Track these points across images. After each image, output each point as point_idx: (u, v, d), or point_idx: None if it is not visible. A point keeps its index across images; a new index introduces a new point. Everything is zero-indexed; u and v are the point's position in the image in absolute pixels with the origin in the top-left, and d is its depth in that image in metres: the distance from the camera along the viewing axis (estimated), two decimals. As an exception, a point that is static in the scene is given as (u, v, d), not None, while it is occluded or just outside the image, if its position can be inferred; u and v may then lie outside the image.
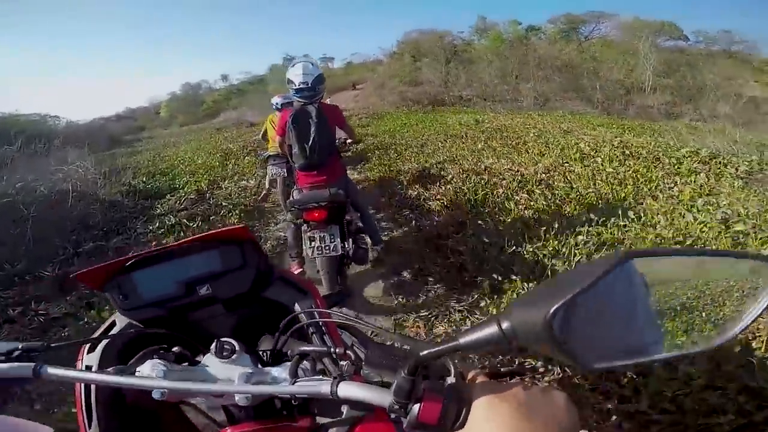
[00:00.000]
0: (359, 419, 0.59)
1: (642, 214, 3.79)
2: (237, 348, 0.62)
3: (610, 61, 24.28)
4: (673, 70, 23.55)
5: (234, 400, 0.55)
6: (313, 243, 2.42)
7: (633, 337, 0.36)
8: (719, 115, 20.67)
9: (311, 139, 2.56)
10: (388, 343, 1.04)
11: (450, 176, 5.95)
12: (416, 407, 0.42)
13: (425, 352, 0.41)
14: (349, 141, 3.14)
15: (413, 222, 4.45)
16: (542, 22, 31.02)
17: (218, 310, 0.81)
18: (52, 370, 0.54)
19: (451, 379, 0.44)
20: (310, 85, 2.59)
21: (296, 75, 2.60)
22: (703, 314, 0.38)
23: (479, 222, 3.85)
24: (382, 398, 0.46)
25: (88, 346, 0.73)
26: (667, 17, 27.93)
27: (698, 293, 0.39)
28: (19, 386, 0.69)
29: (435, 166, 6.78)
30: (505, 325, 0.35)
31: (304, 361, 0.60)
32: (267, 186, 5.36)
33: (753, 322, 0.35)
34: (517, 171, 5.91)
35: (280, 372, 0.59)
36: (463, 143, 8.50)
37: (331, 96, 28.89)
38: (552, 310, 0.31)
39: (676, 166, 5.51)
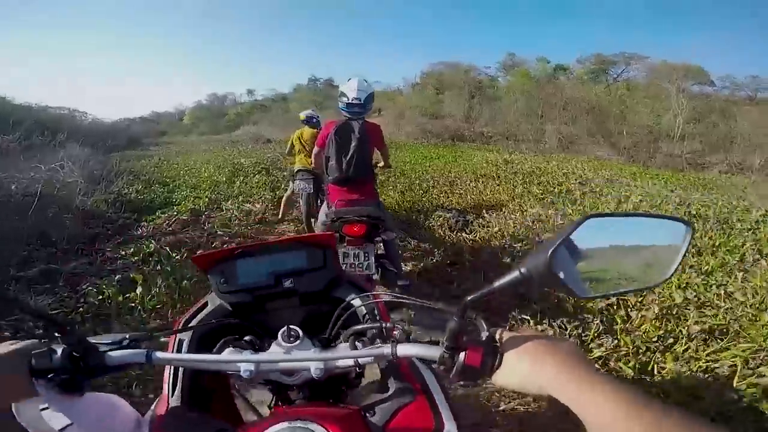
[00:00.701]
0: (403, 405, 0.64)
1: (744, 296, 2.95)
2: (301, 335, 0.71)
3: (638, 105, 23.43)
4: (702, 117, 22.62)
5: (299, 380, 0.70)
6: (347, 259, 2.34)
7: (607, 275, 0.53)
8: (751, 167, 19.55)
9: (350, 153, 2.51)
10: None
11: (493, 226, 4.96)
12: (462, 355, 0.52)
13: (471, 296, 0.51)
14: (381, 165, 3.03)
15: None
16: (571, 62, 30.67)
17: (293, 302, 0.90)
18: (161, 355, 0.62)
19: (484, 334, 0.54)
20: (362, 101, 2.58)
21: (351, 89, 2.58)
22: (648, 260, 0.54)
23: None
24: (434, 351, 0.55)
25: (181, 328, 0.81)
26: (696, 61, 27.03)
27: (642, 248, 0.55)
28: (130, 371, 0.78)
29: (471, 209, 5.80)
30: (523, 270, 0.47)
31: (357, 341, 0.69)
32: (285, 199, 5.38)
33: (679, 265, 0.52)
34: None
35: (341, 349, 0.69)
36: (497, 185, 7.51)
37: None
38: (549, 253, 0.45)
39: (752, 232, 4.62)
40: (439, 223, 5.17)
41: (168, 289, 3.03)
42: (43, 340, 0.56)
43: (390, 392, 0.68)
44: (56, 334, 0.55)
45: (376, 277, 2.49)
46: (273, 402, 0.89)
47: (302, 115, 5.27)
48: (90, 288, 2.93)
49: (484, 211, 5.69)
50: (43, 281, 3.16)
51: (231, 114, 55.88)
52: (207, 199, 6.14)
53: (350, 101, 2.59)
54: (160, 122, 60.66)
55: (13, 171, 4.69)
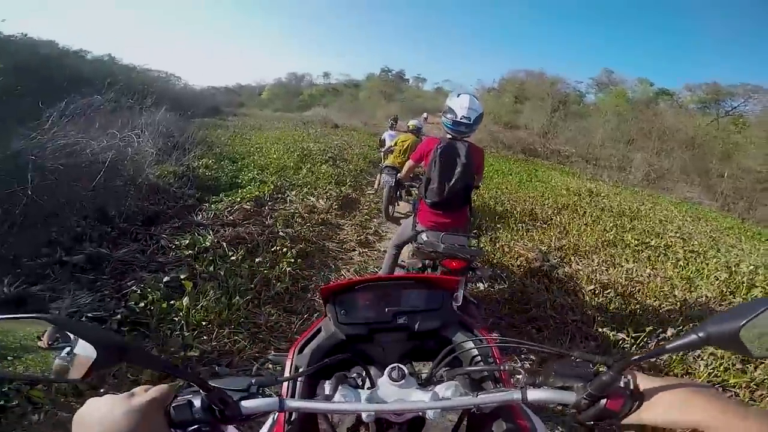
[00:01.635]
0: None
1: None
2: (407, 372, 0.67)
3: (750, 144, 20.07)
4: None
5: (404, 419, 0.67)
6: None
7: None
8: None
9: (454, 179, 2.38)
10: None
11: (582, 277, 4.10)
12: (603, 401, 0.52)
13: (636, 357, 0.51)
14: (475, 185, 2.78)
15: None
16: (677, 87, 27.07)
17: (402, 337, 0.91)
18: (293, 403, 0.61)
19: (624, 380, 0.53)
20: (471, 121, 2.38)
21: (462, 107, 2.36)
22: None
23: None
24: (568, 397, 0.55)
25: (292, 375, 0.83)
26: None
27: None
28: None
29: (555, 250, 4.93)
30: (702, 335, 0.47)
31: (455, 382, 0.66)
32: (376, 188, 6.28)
33: None
34: (683, 303, 3.87)
35: (445, 388, 0.65)
36: (585, 224, 6.43)
37: (418, 117, 27.66)
38: (742, 324, 0.45)
39: None
40: (517, 263, 4.39)
41: (217, 303, 2.64)
42: (180, 388, 0.58)
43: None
44: (198, 390, 0.55)
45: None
46: None
47: (411, 124, 6.04)
48: (134, 289, 2.59)
49: (570, 256, 4.80)
50: (89, 269, 2.89)
51: (305, 94, 57.32)
52: (272, 186, 5.84)
53: (458, 119, 2.38)
54: (241, 94, 64.04)
55: (92, 135, 4.59)
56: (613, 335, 3.07)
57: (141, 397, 0.53)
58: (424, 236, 2.36)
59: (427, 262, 2.52)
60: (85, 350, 0.48)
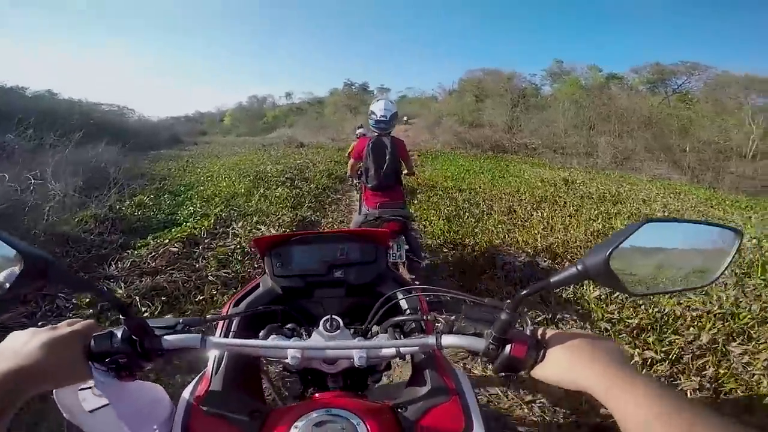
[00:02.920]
0: (436, 404, 0.62)
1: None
2: (341, 324, 0.70)
3: (703, 119, 20.61)
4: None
5: (338, 369, 0.70)
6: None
7: (657, 276, 0.55)
8: None
9: (386, 165, 2.92)
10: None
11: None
12: (508, 347, 0.54)
13: (525, 291, 0.53)
14: (405, 172, 3.20)
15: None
16: (624, 71, 27.65)
17: (340, 293, 0.92)
18: (215, 339, 0.62)
19: (529, 329, 0.57)
20: (388, 119, 2.97)
21: (379, 109, 2.96)
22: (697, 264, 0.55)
23: None
24: (478, 343, 0.57)
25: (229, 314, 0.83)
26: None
27: (693, 252, 0.55)
28: (184, 355, 0.65)
29: (542, 252, 4.31)
30: (580, 267, 0.49)
31: (397, 332, 0.73)
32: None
33: (725, 270, 0.53)
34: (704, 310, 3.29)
35: (381, 339, 0.69)
36: (568, 216, 5.92)
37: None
38: (608, 252, 0.46)
39: None
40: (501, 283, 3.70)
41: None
42: (102, 322, 0.97)
43: (423, 387, 0.67)
44: (120, 316, 0.55)
45: (402, 269, 2.84)
46: (304, 390, 0.83)
47: (359, 132, 6.19)
48: None
49: (561, 256, 4.19)
50: None
51: (269, 116, 56.44)
52: (215, 218, 4.99)
53: (378, 119, 2.96)
54: (203, 122, 62.27)
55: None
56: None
57: (62, 329, 0.53)
58: (368, 211, 2.91)
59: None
60: (10, 261, 0.48)
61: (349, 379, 0.77)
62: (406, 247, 2.82)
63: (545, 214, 5.92)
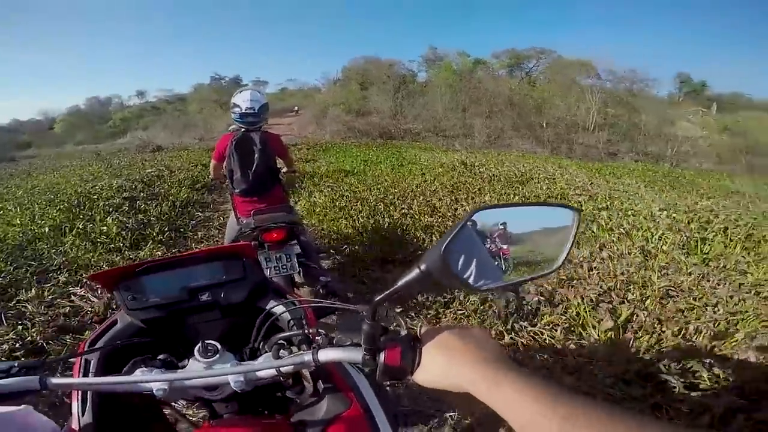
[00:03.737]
0: (336, 416, 0.61)
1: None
2: (219, 348, 0.64)
3: (554, 98, 23.73)
4: (605, 109, 23.65)
5: (224, 394, 0.65)
6: (269, 263, 2.27)
7: (500, 267, 0.51)
8: (651, 154, 20.83)
9: (254, 165, 2.41)
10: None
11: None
12: (382, 355, 0.50)
13: (378, 297, 0.49)
14: (284, 170, 2.72)
15: None
16: (486, 56, 30.07)
17: (215, 315, 0.82)
18: (57, 380, 0.56)
19: (403, 331, 0.52)
20: (256, 111, 2.45)
21: (244, 100, 2.46)
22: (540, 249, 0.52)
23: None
24: (355, 354, 0.52)
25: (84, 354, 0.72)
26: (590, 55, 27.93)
27: (533, 237, 0.52)
28: (24, 398, 0.57)
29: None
30: (422, 267, 0.45)
31: (282, 349, 0.63)
32: None
33: (569, 253, 0.49)
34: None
35: (264, 359, 0.63)
36: (484, 200, 5.25)
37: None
38: (442, 249, 0.43)
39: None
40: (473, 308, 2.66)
41: None
42: None
43: (321, 400, 0.64)
44: None
45: (298, 279, 2.48)
46: (211, 417, 0.79)
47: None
48: None
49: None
50: None
51: (116, 119, 46.80)
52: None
53: (244, 111, 2.45)
54: (25, 131, 48.95)
55: None
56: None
57: None
58: (243, 221, 2.41)
59: (253, 244, 2.01)
60: None
61: (260, 400, 0.74)
62: (299, 253, 2.40)
63: (468, 206, 5.10)
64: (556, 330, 2.46)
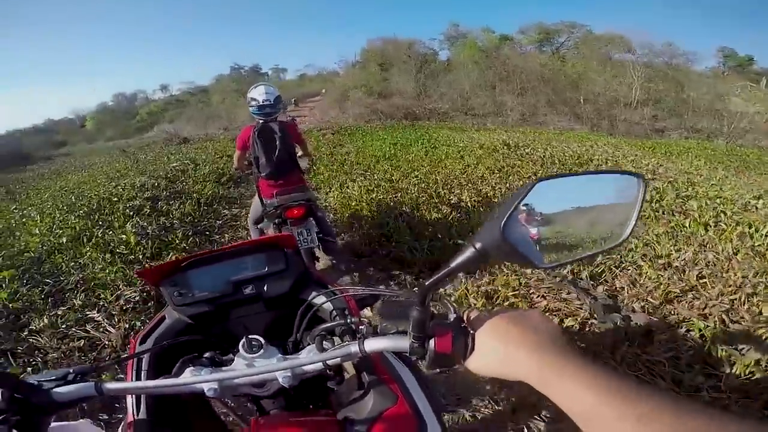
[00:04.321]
0: (383, 412, 0.59)
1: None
2: (263, 343, 0.63)
3: (591, 73, 21.92)
4: (648, 84, 21.73)
5: (271, 391, 0.64)
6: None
7: (565, 241, 0.47)
8: (703, 130, 18.98)
9: (277, 150, 2.58)
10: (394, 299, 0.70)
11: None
12: (432, 342, 0.47)
13: (429, 281, 0.46)
14: (300, 155, 2.89)
15: None
16: (513, 32, 28.18)
17: (259, 308, 0.81)
18: (112, 386, 0.56)
19: (452, 316, 0.49)
20: (272, 102, 2.62)
21: (260, 94, 2.63)
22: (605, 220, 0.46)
23: None
24: (402, 342, 0.49)
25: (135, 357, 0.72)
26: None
27: (598, 207, 0.47)
28: (80, 405, 0.64)
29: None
30: (477, 245, 0.42)
31: (325, 341, 0.61)
32: None
33: (636, 224, 0.45)
34: None
35: (308, 352, 0.62)
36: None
37: (286, 108, 24.30)
38: (502, 224, 0.39)
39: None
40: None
41: None
42: None
43: (367, 394, 0.62)
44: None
45: (318, 254, 2.79)
46: (255, 414, 0.79)
47: None
48: None
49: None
50: None
51: (143, 113, 47.64)
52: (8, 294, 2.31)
53: (261, 104, 2.60)
54: (59, 131, 50.59)
55: None
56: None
57: None
58: (267, 202, 2.58)
59: (277, 221, 2.53)
60: None
61: (304, 393, 0.72)
62: (317, 230, 2.58)
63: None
64: (680, 359, 1.86)
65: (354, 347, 0.53)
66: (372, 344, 0.52)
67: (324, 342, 0.61)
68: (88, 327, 2.48)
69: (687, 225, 3.46)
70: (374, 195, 4.77)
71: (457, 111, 20.49)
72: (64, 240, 3.88)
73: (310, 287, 0.82)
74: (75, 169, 12.45)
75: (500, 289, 2.49)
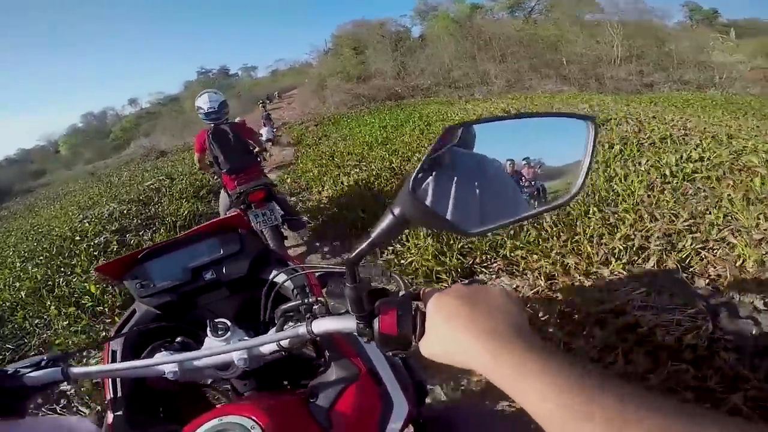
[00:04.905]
0: (346, 385, 0.59)
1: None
2: (230, 325, 0.63)
3: (568, 34, 21.22)
4: (627, 41, 21.14)
5: (237, 373, 0.63)
6: (258, 218, 2.72)
7: (500, 202, 0.40)
8: (691, 82, 18.58)
9: (233, 148, 2.84)
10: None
11: None
12: (376, 321, 0.43)
13: (352, 255, 0.43)
14: (256, 150, 3.15)
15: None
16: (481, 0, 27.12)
17: (223, 293, 0.81)
18: (78, 370, 0.57)
19: (403, 293, 0.45)
20: (216, 108, 2.89)
21: (204, 102, 2.89)
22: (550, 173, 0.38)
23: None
24: (350, 323, 0.47)
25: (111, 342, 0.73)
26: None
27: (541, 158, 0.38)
28: (52, 390, 0.69)
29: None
30: (396, 210, 0.37)
31: (289, 321, 0.59)
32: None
33: (587, 176, 0.38)
34: None
35: (269, 334, 0.59)
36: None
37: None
38: (411, 180, 0.34)
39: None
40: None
41: None
42: None
43: (329, 369, 0.62)
44: None
45: (286, 232, 3.10)
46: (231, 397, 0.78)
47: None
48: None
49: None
50: None
51: (116, 131, 45.92)
52: None
53: (207, 111, 2.87)
54: (34, 159, 48.63)
55: None
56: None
57: None
58: (231, 192, 2.86)
59: (242, 206, 2.73)
60: None
61: (277, 374, 0.73)
62: (280, 211, 2.87)
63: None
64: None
65: (302, 329, 0.52)
66: (319, 325, 0.50)
67: (288, 322, 0.59)
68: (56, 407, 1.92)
69: (757, 185, 2.87)
70: (376, 187, 4.14)
71: (440, 85, 19.68)
72: (23, 294, 3.24)
73: (271, 266, 0.80)
74: (49, 201, 11.57)
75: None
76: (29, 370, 0.56)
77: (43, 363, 0.58)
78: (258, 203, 2.72)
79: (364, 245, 0.41)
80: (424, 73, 20.95)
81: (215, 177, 3.17)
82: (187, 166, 9.08)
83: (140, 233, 4.15)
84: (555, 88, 18.03)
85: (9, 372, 0.55)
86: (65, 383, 0.58)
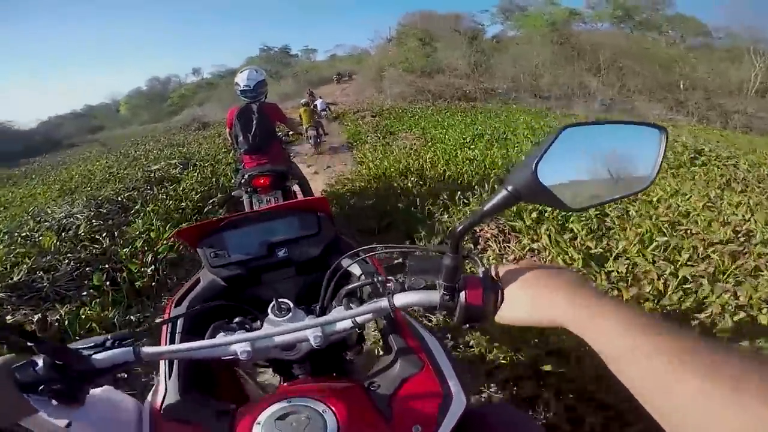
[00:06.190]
0: (409, 378, 0.57)
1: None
2: (292, 306, 0.62)
3: (691, 58, 17.48)
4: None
5: (300, 353, 0.61)
6: (261, 205, 2.57)
7: (598, 184, 0.47)
8: None
9: (253, 129, 2.75)
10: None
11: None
12: (462, 294, 0.46)
13: (460, 226, 0.45)
14: (291, 133, 3.17)
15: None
16: (579, 6, 23.55)
17: (290, 272, 0.80)
18: (149, 350, 0.54)
19: (481, 270, 0.48)
20: (251, 87, 2.80)
21: (242, 79, 2.82)
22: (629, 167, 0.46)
23: None
24: (433, 296, 0.49)
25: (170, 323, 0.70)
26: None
27: (622, 155, 0.46)
28: (118, 372, 0.60)
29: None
30: (509, 187, 0.41)
31: (352, 302, 0.60)
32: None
33: (659, 171, 0.45)
34: None
35: (336, 311, 0.60)
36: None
37: (318, 88, 21.48)
38: (534, 166, 0.39)
39: None
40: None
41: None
42: (19, 354, 0.49)
43: (393, 359, 0.60)
44: (30, 345, 0.46)
45: None
46: (282, 381, 0.75)
47: (302, 102, 8.08)
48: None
49: None
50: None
51: (174, 97, 46.62)
52: None
53: (242, 89, 2.80)
54: (96, 115, 50.39)
55: None
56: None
57: None
58: (242, 174, 2.72)
59: (249, 190, 2.64)
60: None
61: (326, 362, 0.71)
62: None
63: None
64: None
65: (384, 302, 0.52)
66: (401, 299, 0.51)
67: (351, 303, 0.59)
68: None
69: None
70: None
71: (521, 91, 16.81)
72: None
73: (340, 252, 0.76)
74: (91, 158, 10.51)
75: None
76: (95, 350, 0.51)
77: (108, 343, 0.52)
78: (263, 189, 2.57)
79: (475, 217, 0.44)
80: (499, 76, 18.09)
81: (236, 156, 3.26)
82: (214, 147, 7.31)
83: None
84: (662, 114, 14.70)
85: (75, 351, 0.49)
86: (134, 365, 0.52)
